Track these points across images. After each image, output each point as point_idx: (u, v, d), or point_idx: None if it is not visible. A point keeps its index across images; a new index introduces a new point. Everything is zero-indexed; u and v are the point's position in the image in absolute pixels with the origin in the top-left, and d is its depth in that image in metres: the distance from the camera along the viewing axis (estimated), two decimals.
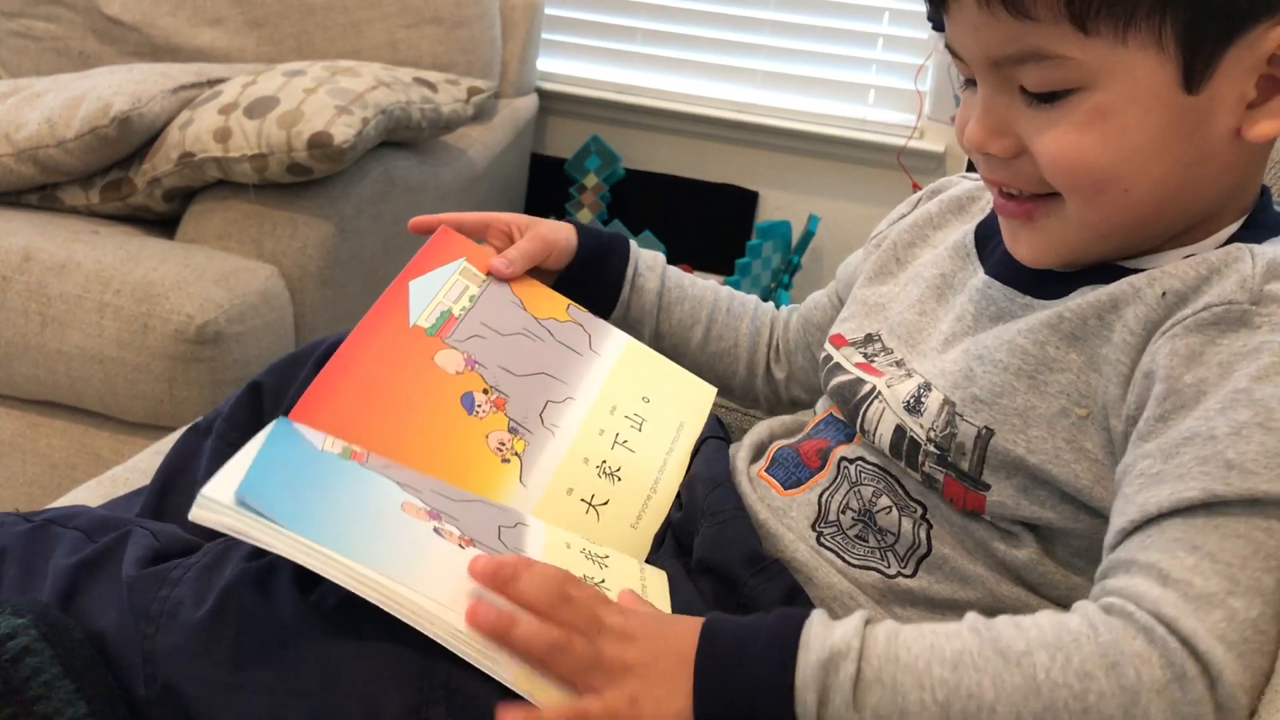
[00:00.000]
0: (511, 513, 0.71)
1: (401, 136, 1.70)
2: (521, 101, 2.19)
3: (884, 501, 0.70)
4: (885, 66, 2.18)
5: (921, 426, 0.66)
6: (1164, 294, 0.60)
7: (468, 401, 0.74)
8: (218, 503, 0.55)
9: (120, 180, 1.61)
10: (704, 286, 0.92)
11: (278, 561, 0.59)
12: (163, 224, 1.64)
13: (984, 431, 0.64)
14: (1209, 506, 0.53)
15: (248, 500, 0.55)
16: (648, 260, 0.91)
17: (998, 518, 0.65)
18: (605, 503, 0.74)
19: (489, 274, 0.82)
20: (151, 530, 0.68)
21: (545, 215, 2.46)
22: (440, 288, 0.78)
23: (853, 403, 0.72)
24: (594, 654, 0.55)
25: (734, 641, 0.56)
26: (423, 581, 0.56)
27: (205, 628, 0.59)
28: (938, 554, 0.67)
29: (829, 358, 0.78)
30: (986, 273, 0.71)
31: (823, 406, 0.79)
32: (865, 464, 0.71)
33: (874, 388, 0.71)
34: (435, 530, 0.61)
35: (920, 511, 0.68)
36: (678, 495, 0.78)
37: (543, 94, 2.29)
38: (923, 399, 0.67)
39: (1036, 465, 0.62)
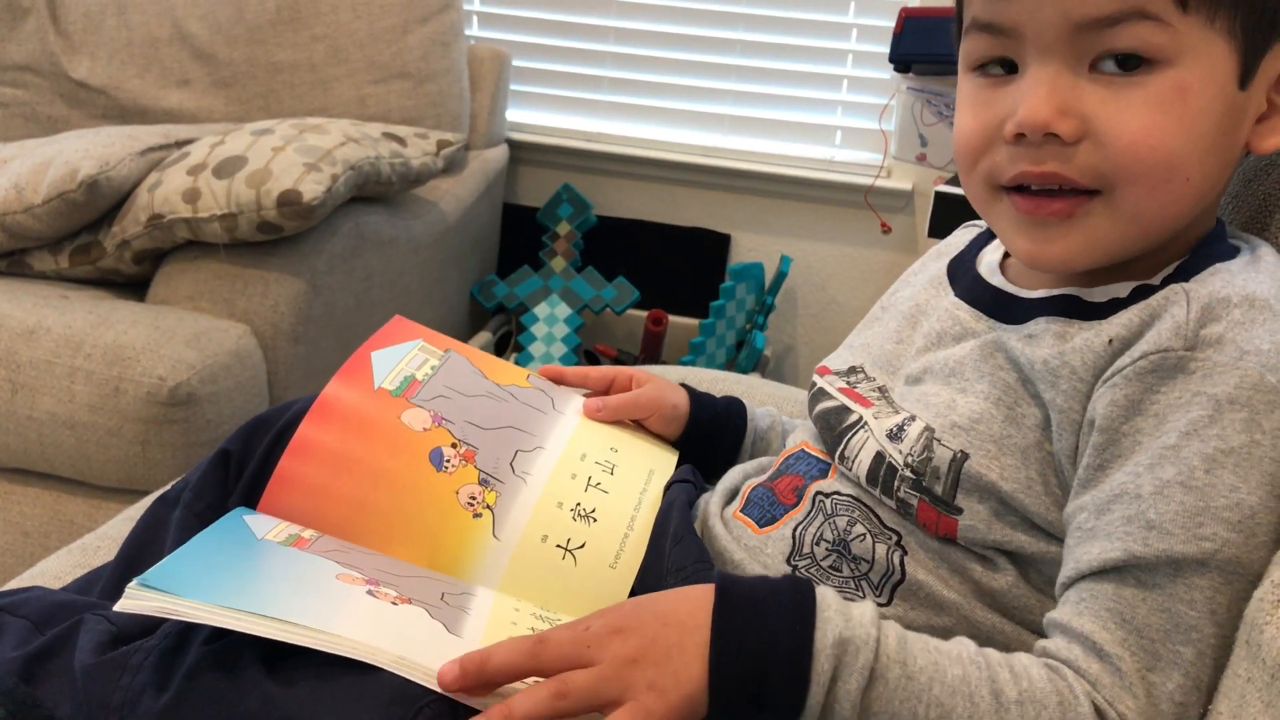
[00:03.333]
0: (460, 584, 0.70)
1: (372, 191, 1.71)
2: (492, 153, 2.20)
3: (858, 530, 0.70)
4: (850, 108, 2.20)
5: (900, 453, 0.67)
6: (1110, 341, 0.61)
7: (436, 457, 0.73)
8: (140, 589, 0.56)
9: (89, 244, 1.60)
10: (773, 427, 0.92)
11: (240, 641, 0.58)
12: (133, 286, 1.64)
13: (959, 455, 0.64)
14: (1135, 568, 0.56)
15: (150, 583, 0.57)
16: (764, 416, 0.91)
17: (971, 542, 0.65)
18: (581, 546, 0.74)
19: (446, 350, 0.83)
20: (106, 615, 0.66)
21: (519, 264, 2.47)
22: (401, 358, 0.79)
23: (838, 430, 0.73)
24: (596, 673, 0.54)
25: (750, 600, 0.56)
26: (354, 626, 0.57)
27: (169, 718, 0.58)
28: (912, 580, 0.67)
29: (814, 385, 0.79)
30: (955, 295, 0.73)
31: (793, 441, 0.80)
32: (840, 496, 0.72)
33: (861, 418, 0.72)
34: (369, 592, 0.61)
35: (895, 538, 0.68)
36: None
37: (513, 144, 2.30)
38: (905, 428, 0.68)
39: (1008, 493, 0.63)
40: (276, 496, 0.70)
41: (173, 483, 0.84)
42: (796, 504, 0.74)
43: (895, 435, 0.68)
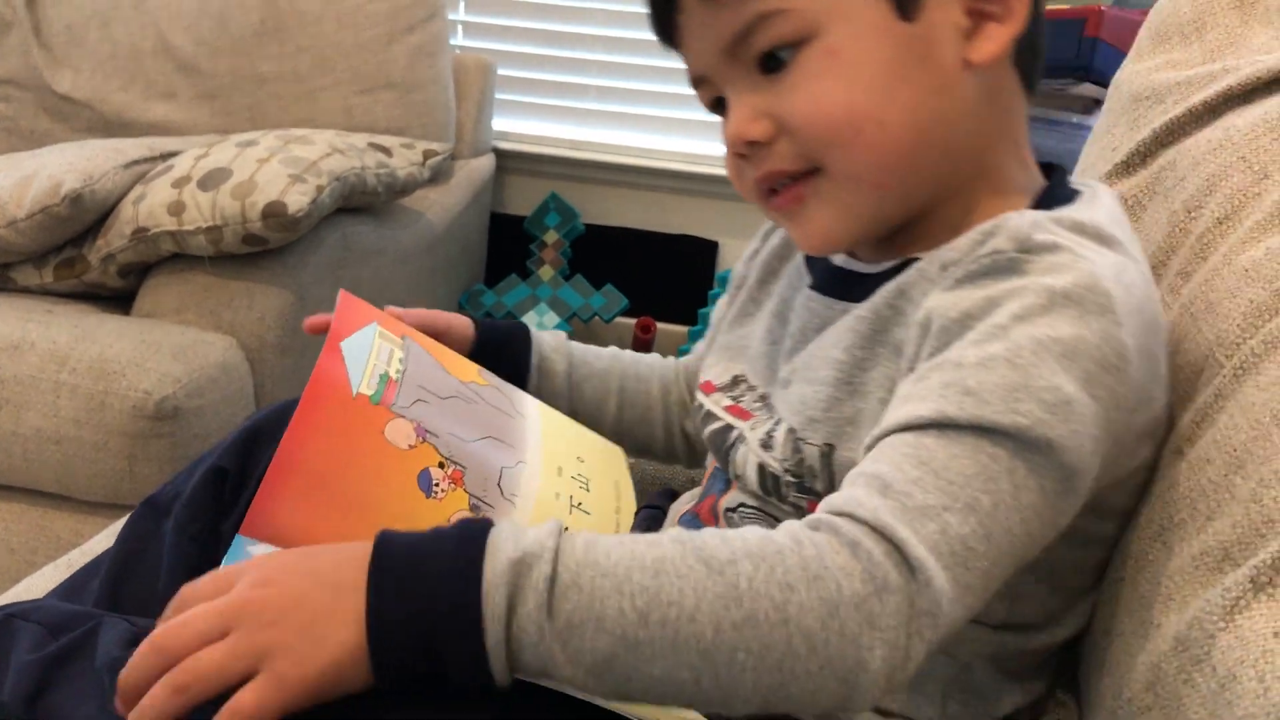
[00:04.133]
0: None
1: (358, 202, 1.70)
2: (478, 162, 2.20)
3: None
4: None
5: (776, 460, 0.67)
6: (942, 266, 0.61)
7: (425, 482, 0.70)
8: None
9: (74, 258, 1.60)
10: (608, 357, 0.92)
11: None
12: (118, 300, 1.63)
13: (825, 449, 0.64)
14: (940, 426, 0.53)
15: None
16: (550, 344, 0.91)
17: None
18: None
19: (403, 336, 0.79)
20: (128, 619, 0.65)
21: (506, 273, 2.47)
22: (369, 348, 0.75)
23: (723, 450, 0.73)
24: (227, 648, 0.50)
25: (410, 551, 0.51)
26: None
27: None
28: None
29: (700, 406, 0.78)
30: (809, 287, 0.72)
31: (710, 460, 0.80)
32: (746, 509, 0.72)
33: (740, 433, 0.72)
34: None
35: None
36: None
37: (499, 153, 2.30)
38: (773, 433, 0.68)
39: None
40: (259, 524, 0.66)
41: (162, 485, 0.82)
42: (716, 525, 0.74)
43: (767, 444, 0.68)
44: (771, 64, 0.62)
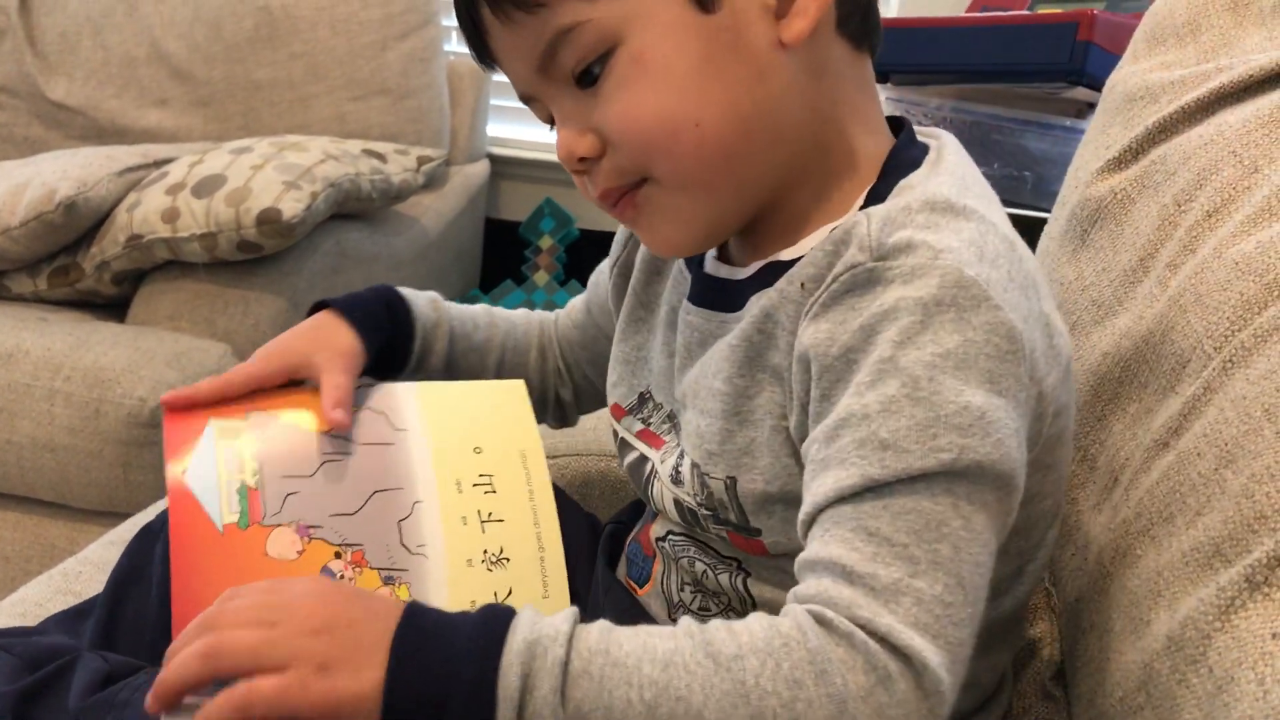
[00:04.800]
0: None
1: (352, 208, 1.70)
2: (473, 168, 2.20)
3: (700, 566, 0.69)
4: None
5: (689, 495, 0.66)
6: (802, 285, 0.59)
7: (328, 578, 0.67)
8: None
9: (68, 265, 1.59)
10: (486, 327, 0.87)
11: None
12: (113, 307, 1.63)
13: (728, 481, 0.63)
14: (872, 489, 0.52)
15: None
16: (429, 318, 0.84)
17: (785, 552, 0.63)
18: (509, 593, 0.70)
19: (246, 414, 0.73)
20: (102, 655, 0.65)
21: (501, 279, 2.46)
22: (214, 466, 0.69)
23: (641, 483, 0.72)
24: (271, 610, 0.52)
25: (439, 620, 0.53)
26: None
27: None
28: (761, 600, 0.66)
29: (615, 433, 0.76)
30: (688, 298, 0.70)
31: None
32: (675, 536, 0.71)
33: (653, 466, 0.70)
34: None
35: (736, 564, 0.67)
36: None
37: (494, 159, 2.30)
38: (680, 468, 0.67)
39: (779, 492, 0.61)
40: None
41: (155, 511, 0.82)
42: (654, 556, 0.73)
43: (676, 478, 0.67)
44: (586, 78, 0.60)
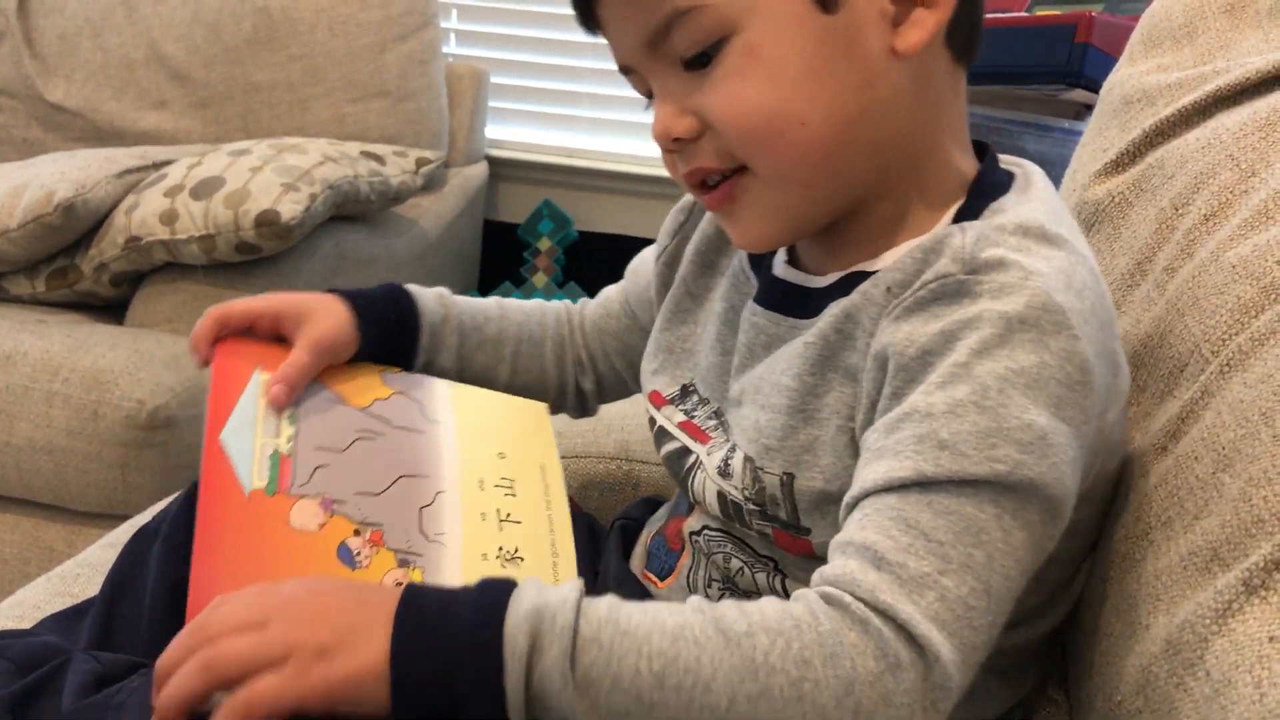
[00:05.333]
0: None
1: (351, 210, 1.70)
2: (471, 170, 2.20)
3: (735, 564, 0.69)
4: None
5: (736, 488, 0.66)
6: (888, 289, 0.59)
7: (345, 555, 0.67)
8: None
9: (66, 267, 1.59)
10: (497, 319, 0.86)
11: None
12: (111, 309, 1.63)
13: (785, 478, 0.63)
14: (921, 485, 0.53)
15: None
16: (438, 312, 0.83)
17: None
18: None
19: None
20: (93, 655, 0.65)
21: (500, 281, 2.46)
22: (254, 425, 0.70)
23: (681, 474, 0.71)
24: (263, 609, 0.52)
25: (440, 594, 0.53)
26: None
27: None
28: None
29: (653, 420, 0.75)
30: (754, 300, 0.70)
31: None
32: (710, 531, 0.70)
33: (698, 458, 0.70)
34: None
35: (772, 564, 0.67)
36: None
37: (492, 161, 2.30)
38: (730, 461, 0.66)
39: (839, 492, 0.61)
40: None
41: (153, 513, 0.82)
42: (682, 549, 0.73)
43: (724, 471, 0.67)
44: (696, 61, 0.60)
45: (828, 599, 0.52)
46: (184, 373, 1.40)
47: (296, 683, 0.50)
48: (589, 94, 2.31)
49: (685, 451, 0.71)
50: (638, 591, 0.74)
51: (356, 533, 0.68)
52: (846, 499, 0.56)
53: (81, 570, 0.93)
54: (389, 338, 0.80)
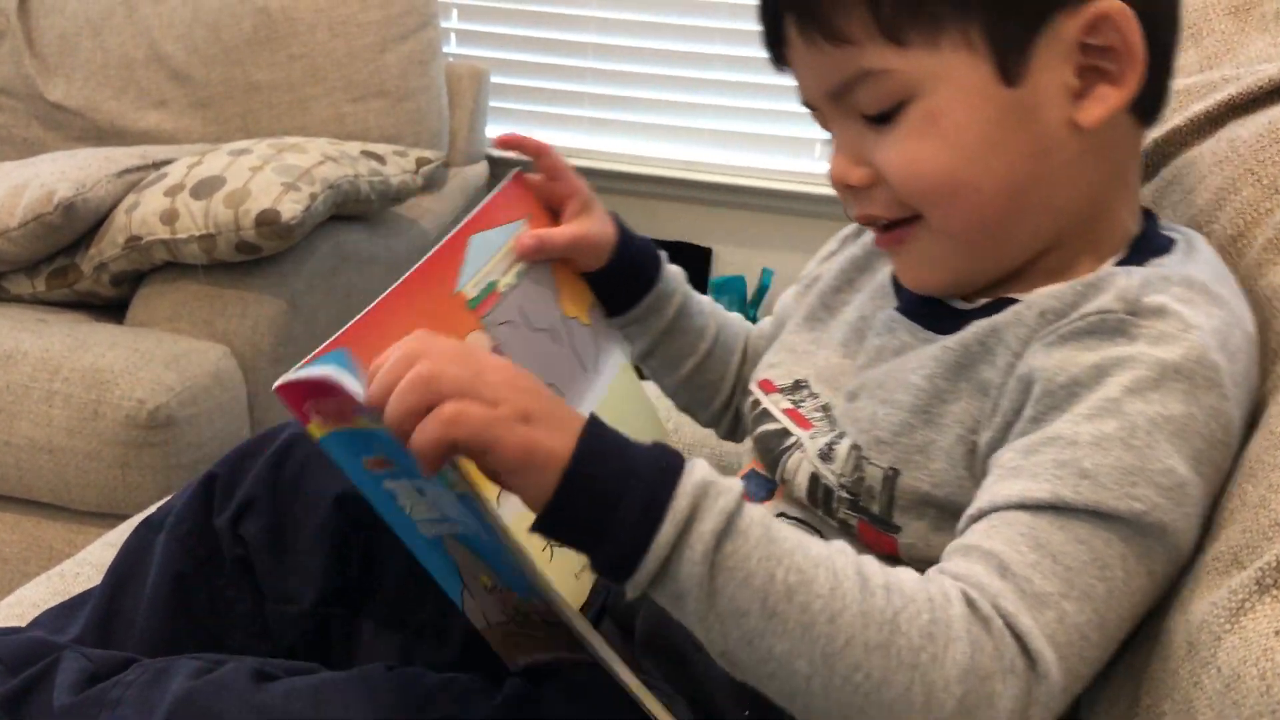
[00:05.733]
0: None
1: (351, 210, 1.70)
2: (472, 169, 2.19)
3: None
4: None
5: (833, 473, 0.66)
6: (1042, 313, 0.60)
7: None
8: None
9: (66, 267, 1.59)
10: (707, 315, 0.90)
11: (228, 672, 0.57)
12: (111, 309, 1.63)
13: (890, 472, 0.63)
14: (1056, 509, 0.53)
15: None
16: (670, 284, 0.87)
17: (912, 560, 0.63)
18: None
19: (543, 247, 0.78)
20: (84, 652, 0.65)
21: None
22: (496, 251, 0.75)
23: (775, 452, 0.72)
24: (476, 375, 0.52)
25: (619, 438, 0.54)
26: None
27: None
28: None
29: (756, 403, 0.76)
30: (895, 309, 0.71)
31: (746, 461, 0.78)
32: (787, 519, 0.70)
33: (798, 440, 0.71)
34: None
35: None
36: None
37: (493, 161, 2.29)
38: (834, 446, 0.67)
39: (943, 499, 0.62)
40: (361, 338, 0.65)
41: (157, 505, 0.83)
42: None
43: (826, 455, 0.67)
44: (878, 117, 0.62)
45: (962, 591, 0.52)
46: (184, 372, 1.40)
47: (502, 427, 0.50)
48: (589, 94, 2.31)
49: (784, 433, 0.72)
50: None
51: None
52: (971, 510, 0.56)
53: (81, 569, 0.93)
54: (626, 279, 0.84)
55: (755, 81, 2.20)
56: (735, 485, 0.52)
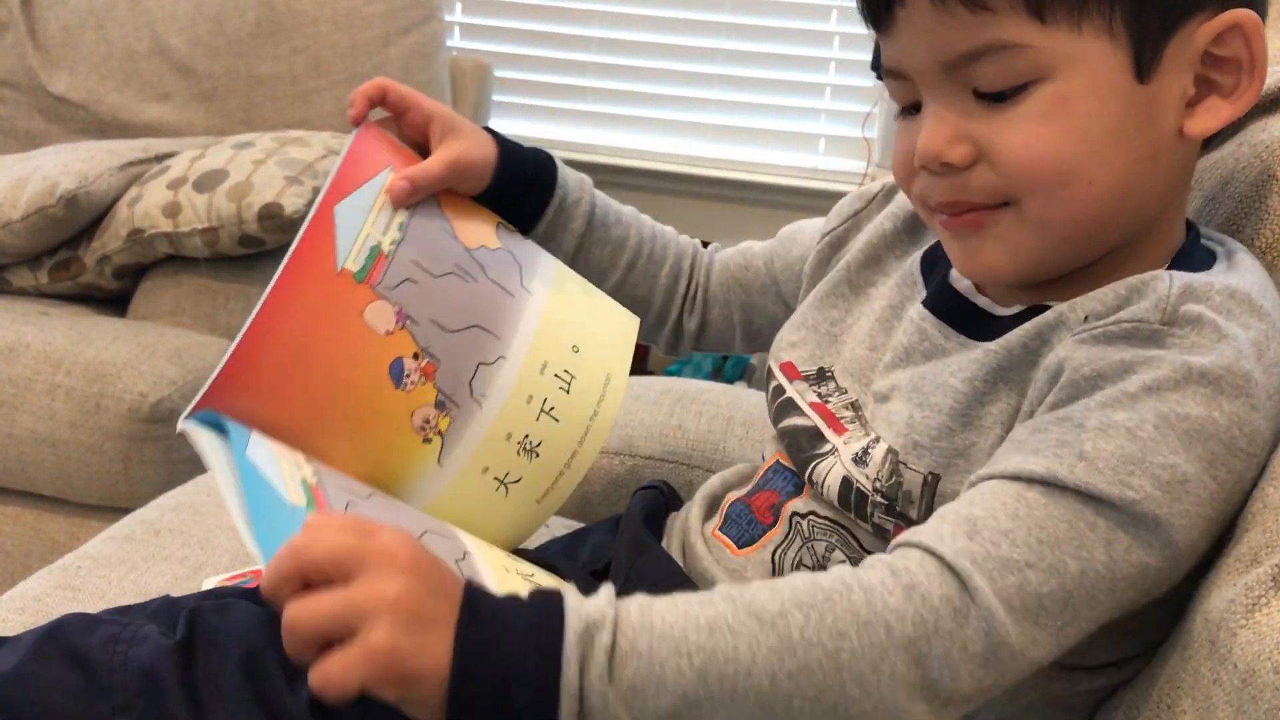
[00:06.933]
0: (447, 528, 0.67)
1: None
2: None
3: (838, 556, 0.68)
4: (834, 116, 2.20)
5: (868, 478, 0.65)
6: (1086, 317, 0.60)
7: (396, 371, 0.68)
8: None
9: (69, 260, 1.59)
10: (627, 224, 0.86)
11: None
12: (114, 302, 1.63)
13: (930, 478, 0.63)
14: (1047, 484, 0.54)
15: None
16: (574, 192, 0.82)
17: None
18: (518, 480, 0.71)
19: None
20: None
21: None
22: (368, 212, 0.69)
23: (806, 453, 0.71)
24: (343, 597, 0.49)
25: (495, 614, 0.51)
26: None
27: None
28: None
29: (780, 389, 0.75)
30: (923, 304, 0.70)
31: (770, 451, 0.77)
32: (817, 518, 0.70)
33: (833, 447, 0.69)
34: None
35: None
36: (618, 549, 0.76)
37: None
38: (870, 450, 0.66)
39: None
40: (229, 389, 0.64)
41: (156, 505, 0.81)
42: (774, 524, 0.72)
43: (861, 459, 0.66)
44: (995, 95, 0.59)
45: (868, 563, 0.53)
46: (186, 366, 1.40)
47: (370, 664, 0.48)
48: (593, 88, 2.31)
49: (818, 436, 0.71)
50: (664, 562, 0.73)
51: (416, 356, 0.68)
52: (971, 478, 0.57)
53: (83, 563, 0.93)
54: (520, 192, 0.80)
55: (760, 77, 2.20)
56: (606, 610, 0.50)
